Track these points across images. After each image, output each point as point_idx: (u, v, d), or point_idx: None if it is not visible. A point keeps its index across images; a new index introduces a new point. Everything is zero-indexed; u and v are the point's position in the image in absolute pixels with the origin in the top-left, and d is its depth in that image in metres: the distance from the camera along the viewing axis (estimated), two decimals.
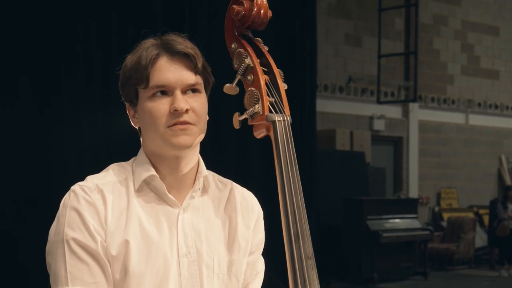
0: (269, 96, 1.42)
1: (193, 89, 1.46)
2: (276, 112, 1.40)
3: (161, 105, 1.43)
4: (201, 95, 1.47)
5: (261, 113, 1.40)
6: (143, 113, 1.45)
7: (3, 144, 5.31)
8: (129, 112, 1.51)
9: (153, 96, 1.43)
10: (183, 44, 1.46)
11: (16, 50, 5.38)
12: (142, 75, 1.43)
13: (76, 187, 1.44)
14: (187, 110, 1.43)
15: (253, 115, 1.41)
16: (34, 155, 5.42)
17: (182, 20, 6.36)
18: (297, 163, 1.38)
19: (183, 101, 1.42)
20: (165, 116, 1.42)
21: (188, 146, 1.44)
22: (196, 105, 1.45)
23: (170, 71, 1.44)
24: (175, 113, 1.42)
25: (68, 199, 1.43)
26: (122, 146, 5.38)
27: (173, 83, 1.43)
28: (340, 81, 10.81)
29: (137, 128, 1.53)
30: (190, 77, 1.45)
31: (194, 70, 1.45)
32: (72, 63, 5.67)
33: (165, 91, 1.44)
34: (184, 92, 1.44)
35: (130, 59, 1.47)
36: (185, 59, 1.45)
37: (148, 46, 1.46)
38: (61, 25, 5.58)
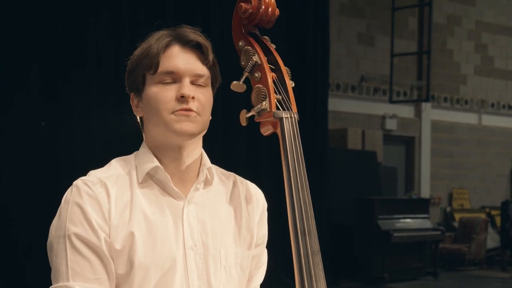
0: (276, 93, 1.42)
1: (200, 83, 1.46)
2: (283, 109, 1.41)
3: (168, 91, 1.43)
4: (207, 89, 1.48)
5: (268, 110, 1.40)
6: (148, 99, 1.45)
7: (12, 136, 5.31)
8: (133, 102, 1.51)
9: (161, 82, 1.44)
10: (196, 34, 1.47)
11: (26, 42, 5.38)
12: (152, 60, 1.43)
13: (78, 181, 1.42)
14: (193, 98, 1.42)
15: (260, 112, 1.42)
16: (43, 149, 5.41)
17: (193, 15, 6.37)
18: (304, 160, 1.38)
19: (190, 88, 1.43)
20: (170, 102, 1.42)
21: (191, 134, 1.43)
22: (202, 96, 1.45)
23: (180, 59, 1.44)
24: (181, 99, 1.42)
25: (70, 194, 1.41)
26: (132, 139, 5.38)
27: (182, 70, 1.44)
28: (353, 80, 10.79)
29: (139, 122, 1.52)
30: (199, 67, 1.45)
31: (205, 62, 1.46)
32: (82, 54, 5.67)
33: (173, 78, 1.44)
34: (192, 82, 1.44)
35: (140, 48, 1.48)
36: (197, 49, 1.46)
37: (160, 36, 1.47)
38: (72, 17, 5.59)
